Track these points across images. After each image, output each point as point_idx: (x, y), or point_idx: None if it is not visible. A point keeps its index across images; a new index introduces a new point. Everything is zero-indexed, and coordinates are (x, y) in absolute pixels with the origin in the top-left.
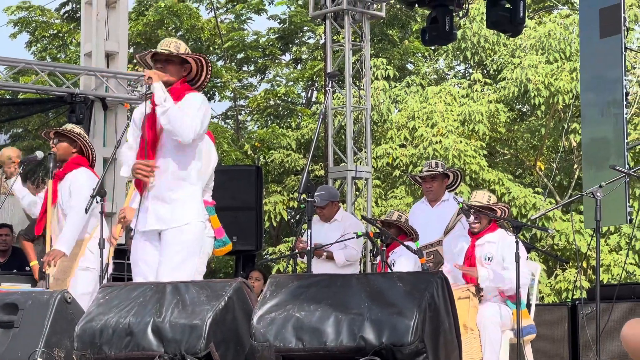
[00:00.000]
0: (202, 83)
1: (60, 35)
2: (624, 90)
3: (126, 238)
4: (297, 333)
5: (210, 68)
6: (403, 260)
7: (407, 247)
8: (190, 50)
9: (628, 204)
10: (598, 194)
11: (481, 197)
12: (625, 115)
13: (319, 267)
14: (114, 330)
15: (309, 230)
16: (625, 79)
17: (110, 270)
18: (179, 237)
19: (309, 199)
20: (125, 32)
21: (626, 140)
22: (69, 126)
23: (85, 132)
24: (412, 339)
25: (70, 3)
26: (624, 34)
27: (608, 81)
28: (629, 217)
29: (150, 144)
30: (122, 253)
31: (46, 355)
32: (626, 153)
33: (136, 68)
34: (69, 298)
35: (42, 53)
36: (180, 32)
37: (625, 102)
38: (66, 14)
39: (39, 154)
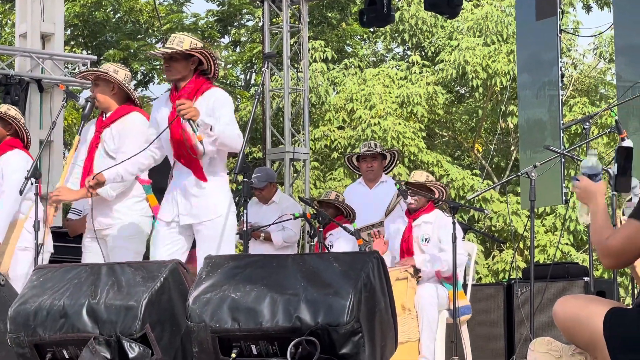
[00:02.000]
0: (214, 74)
1: None
2: (560, 72)
3: (63, 220)
4: (233, 314)
5: (216, 60)
6: (341, 242)
7: (345, 229)
8: (197, 42)
9: (564, 185)
10: (533, 174)
11: (419, 176)
12: (560, 97)
13: (257, 248)
14: (48, 312)
15: (245, 211)
16: (561, 61)
17: (51, 249)
18: (216, 230)
19: (245, 180)
20: (62, 13)
21: (562, 122)
22: (3, 108)
23: (21, 114)
24: (348, 318)
25: None
26: (559, 16)
27: (544, 63)
28: (564, 198)
29: (177, 142)
30: (61, 236)
31: None
32: (562, 134)
33: (74, 50)
34: (2, 280)
35: None
36: (118, 14)
37: (560, 84)
38: None
39: None
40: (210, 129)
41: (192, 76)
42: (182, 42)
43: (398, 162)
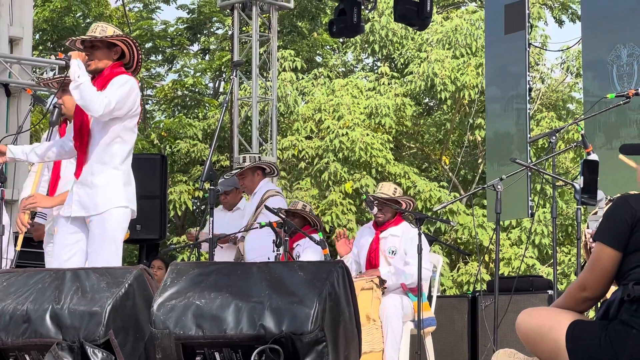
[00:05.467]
0: (137, 66)
1: None
2: (528, 86)
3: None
4: (197, 321)
5: (138, 47)
6: (309, 253)
7: (311, 238)
8: (120, 33)
9: (530, 198)
10: (499, 186)
11: (387, 189)
12: (528, 110)
13: (221, 257)
14: (11, 316)
15: (211, 219)
16: (529, 75)
17: (11, 256)
18: (102, 226)
19: (212, 187)
20: (30, 18)
21: (529, 135)
22: None
23: None
24: (312, 327)
25: None
26: (528, 30)
27: (512, 76)
28: (530, 211)
29: (78, 129)
30: (26, 241)
31: None
32: (528, 148)
33: (42, 55)
34: None
35: None
36: (88, 20)
37: (528, 98)
38: None
39: None
40: (79, 76)
41: (109, 66)
42: (104, 30)
43: (275, 170)
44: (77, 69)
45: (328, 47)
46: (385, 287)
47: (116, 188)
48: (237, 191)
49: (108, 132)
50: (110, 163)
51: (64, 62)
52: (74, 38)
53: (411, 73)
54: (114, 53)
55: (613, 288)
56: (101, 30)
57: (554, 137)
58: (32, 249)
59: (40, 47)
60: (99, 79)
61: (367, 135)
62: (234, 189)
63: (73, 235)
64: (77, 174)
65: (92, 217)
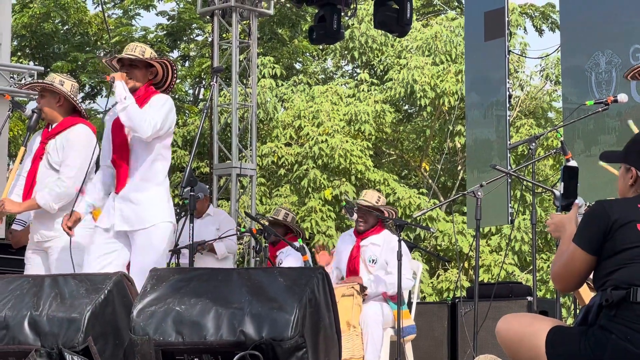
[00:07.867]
0: (169, 86)
1: None
2: (507, 93)
3: (6, 232)
4: (177, 327)
5: (175, 71)
6: (290, 260)
7: (291, 245)
8: (155, 55)
9: (509, 205)
10: (479, 193)
11: (371, 197)
12: (507, 117)
13: (199, 262)
14: None
15: (191, 225)
16: (508, 82)
17: None
18: (147, 239)
19: (193, 193)
20: (8, 24)
21: (509, 142)
22: None
23: None
24: (292, 333)
25: None
26: (507, 37)
27: (492, 83)
28: (510, 218)
29: (118, 146)
30: (4, 248)
31: None
32: (508, 154)
33: (20, 61)
34: None
35: None
36: (67, 26)
37: (508, 104)
38: None
39: None
40: (125, 98)
41: (144, 86)
42: (143, 51)
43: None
44: (123, 91)
45: (308, 54)
46: (366, 294)
47: (161, 204)
48: (205, 198)
49: (151, 150)
50: (154, 180)
51: (42, 69)
52: (116, 55)
53: (391, 80)
54: (149, 73)
55: (592, 294)
56: (140, 50)
57: (533, 144)
58: (10, 255)
59: (19, 53)
60: (134, 96)
61: (347, 142)
62: (204, 196)
63: (109, 245)
64: (118, 188)
65: (138, 231)
